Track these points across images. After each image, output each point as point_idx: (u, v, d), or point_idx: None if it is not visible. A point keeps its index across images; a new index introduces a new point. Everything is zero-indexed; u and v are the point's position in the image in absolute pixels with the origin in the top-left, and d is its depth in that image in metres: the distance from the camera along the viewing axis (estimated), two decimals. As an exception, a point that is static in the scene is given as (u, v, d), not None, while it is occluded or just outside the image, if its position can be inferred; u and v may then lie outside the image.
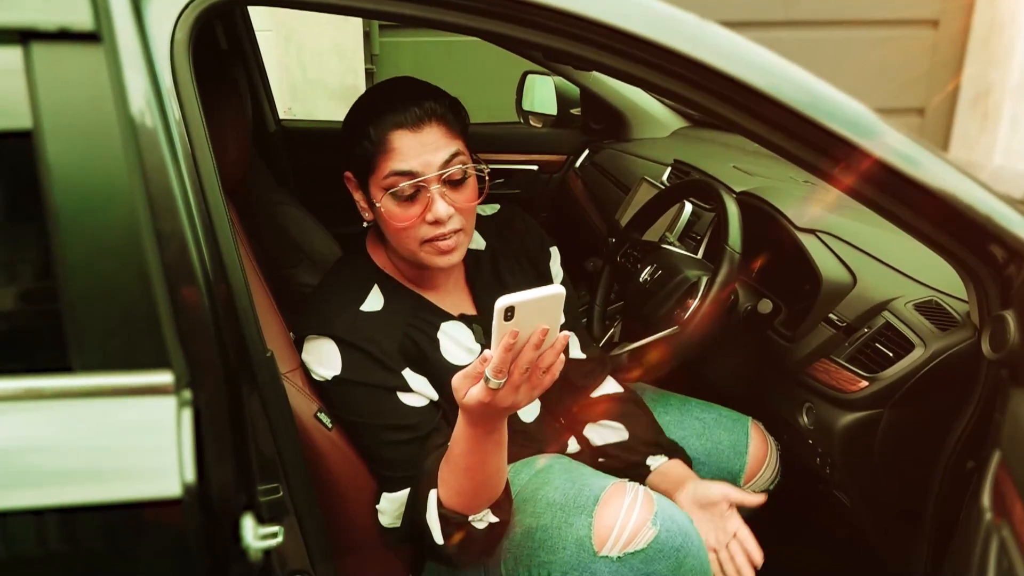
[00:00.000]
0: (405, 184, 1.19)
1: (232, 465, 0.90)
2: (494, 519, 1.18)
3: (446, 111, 1.22)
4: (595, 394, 1.52)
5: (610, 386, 1.54)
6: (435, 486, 1.17)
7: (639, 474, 1.45)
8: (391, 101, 1.21)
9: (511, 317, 0.94)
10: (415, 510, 1.21)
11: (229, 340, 0.93)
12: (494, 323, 0.94)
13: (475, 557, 1.23)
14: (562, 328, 1.47)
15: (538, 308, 0.95)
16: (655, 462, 1.46)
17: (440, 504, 1.16)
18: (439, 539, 1.17)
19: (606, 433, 1.49)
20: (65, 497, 0.84)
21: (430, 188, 1.19)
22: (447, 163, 1.20)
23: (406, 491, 1.24)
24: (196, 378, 0.87)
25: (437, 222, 1.20)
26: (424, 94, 1.22)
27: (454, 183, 1.22)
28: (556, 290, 0.96)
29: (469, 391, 1.02)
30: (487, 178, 1.27)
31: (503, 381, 0.99)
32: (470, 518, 1.16)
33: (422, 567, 1.38)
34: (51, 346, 0.86)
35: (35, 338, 0.89)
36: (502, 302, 0.93)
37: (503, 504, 1.19)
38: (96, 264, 0.86)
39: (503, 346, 0.96)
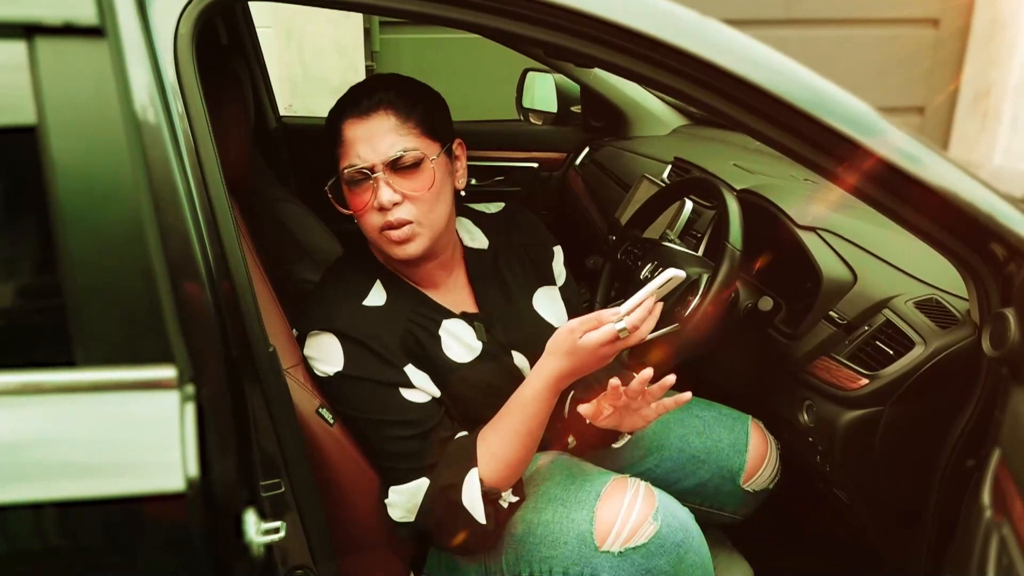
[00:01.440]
0: (351, 170, 1.22)
1: (234, 460, 0.91)
2: (514, 499, 1.23)
3: (396, 99, 1.23)
4: None
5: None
6: (474, 466, 1.20)
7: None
8: (349, 95, 1.26)
9: (664, 285, 1.15)
10: (445, 495, 1.21)
11: (232, 335, 0.93)
12: (653, 284, 1.15)
13: (492, 542, 1.25)
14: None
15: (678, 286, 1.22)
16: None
17: (481, 483, 1.20)
18: (481, 518, 1.19)
19: None
20: (68, 491, 0.84)
21: (374, 174, 1.21)
22: (395, 153, 1.21)
23: (417, 481, 1.24)
24: (199, 373, 0.87)
25: (382, 209, 1.22)
26: (379, 85, 1.25)
27: (403, 169, 1.22)
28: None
29: (587, 335, 1.14)
30: (451, 180, 1.30)
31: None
32: (502, 496, 1.21)
33: (423, 564, 1.38)
34: (55, 341, 0.86)
35: (39, 333, 0.89)
36: (672, 272, 1.16)
37: (520, 484, 1.25)
38: (100, 259, 0.86)
39: (648, 308, 1.15)
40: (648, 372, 1.20)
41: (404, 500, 1.26)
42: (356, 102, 1.23)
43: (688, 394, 1.31)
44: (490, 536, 1.23)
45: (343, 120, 1.24)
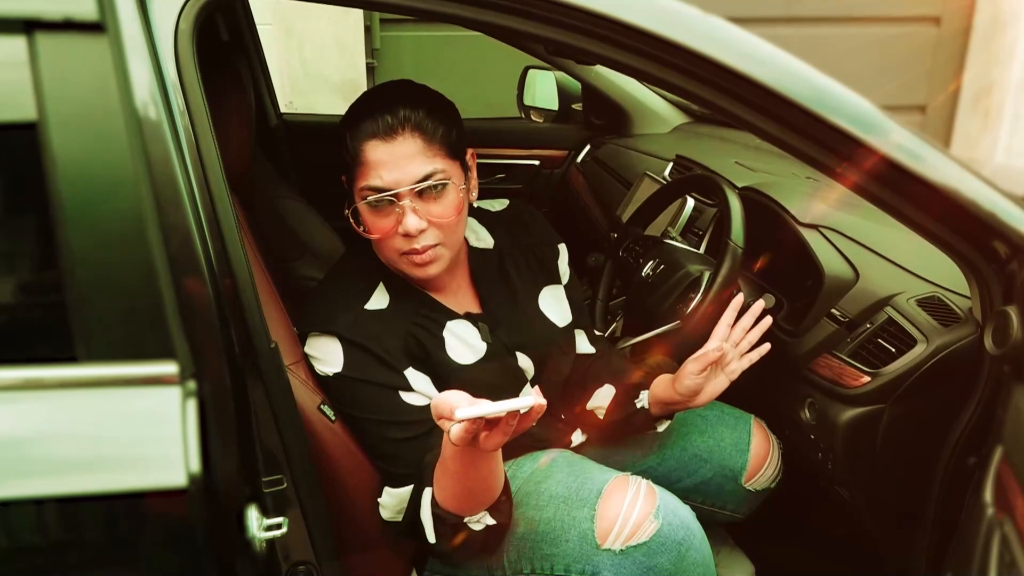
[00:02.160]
0: (373, 198, 1.18)
1: (236, 456, 0.91)
2: (491, 522, 1.16)
3: (423, 119, 1.17)
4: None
5: (583, 345, 1.53)
6: (431, 485, 1.16)
7: (638, 419, 1.42)
8: (368, 109, 1.18)
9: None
10: (413, 507, 1.21)
11: (234, 331, 0.93)
12: (503, 404, 0.93)
13: (473, 556, 1.22)
14: (572, 324, 1.47)
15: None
16: (642, 400, 1.42)
17: (435, 504, 1.15)
18: (431, 537, 1.17)
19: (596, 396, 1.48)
20: (70, 487, 0.84)
21: (400, 202, 1.17)
22: (422, 179, 1.17)
23: (408, 488, 1.23)
24: (200, 369, 0.87)
25: (408, 236, 1.19)
26: (401, 100, 1.17)
27: (429, 195, 1.19)
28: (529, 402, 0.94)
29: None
30: (467, 196, 1.25)
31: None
32: (466, 519, 1.14)
33: (425, 560, 1.38)
34: (56, 336, 0.86)
35: (40, 329, 0.89)
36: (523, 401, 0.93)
37: (502, 507, 1.17)
38: (101, 255, 0.86)
39: (463, 434, 0.94)
40: (739, 300, 1.27)
41: (394, 503, 1.26)
42: (378, 118, 1.16)
43: (767, 345, 1.35)
44: (459, 553, 1.18)
45: (363, 140, 1.17)
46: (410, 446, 1.23)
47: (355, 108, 1.21)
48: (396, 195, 1.17)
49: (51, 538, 0.86)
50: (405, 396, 1.25)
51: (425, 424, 1.24)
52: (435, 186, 1.18)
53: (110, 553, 0.88)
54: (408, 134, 1.16)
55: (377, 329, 1.25)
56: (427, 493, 1.17)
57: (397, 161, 1.16)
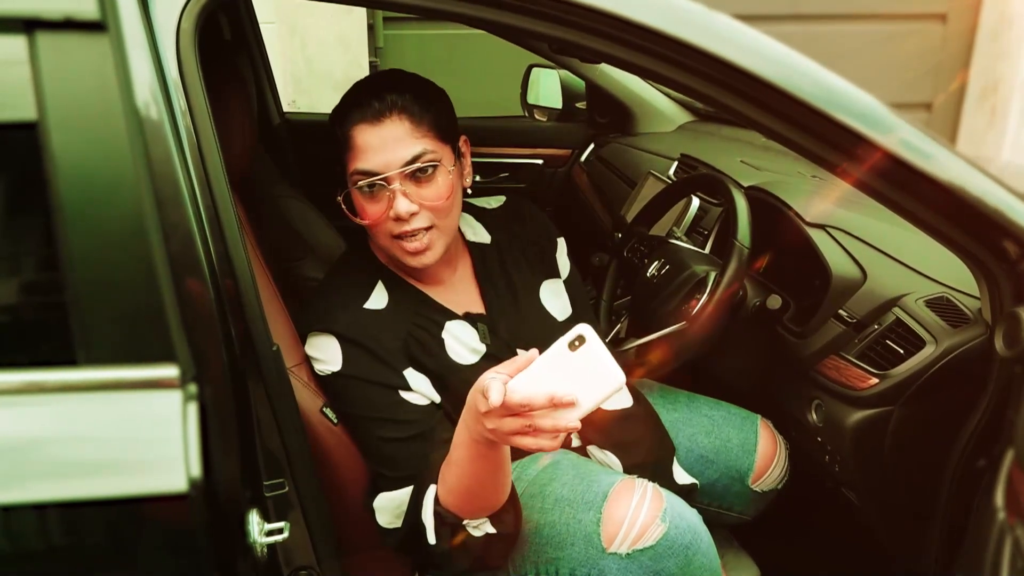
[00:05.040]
0: (364, 183, 1.18)
1: (237, 460, 0.90)
2: (491, 530, 1.13)
3: (411, 102, 1.18)
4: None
5: (621, 398, 1.48)
6: (435, 482, 1.15)
7: None
8: (356, 97, 1.20)
9: (577, 347, 0.92)
10: (414, 507, 1.19)
11: (235, 334, 0.92)
12: (556, 345, 0.92)
13: (472, 567, 1.18)
14: (572, 318, 1.46)
15: (594, 364, 0.91)
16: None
17: (437, 501, 1.13)
18: (431, 538, 1.15)
19: (600, 459, 1.45)
20: (70, 492, 0.83)
21: (390, 186, 1.18)
22: (411, 161, 1.17)
23: (404, 490, 1.21)
24: (201, 372, 0.87)
25: (399, 219, 1.18)
26: (389, 87, 1.19)
27: (419, 178, 1.19)
28: (620, 377, 0.92)
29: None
30: (459, 181, 1.25)
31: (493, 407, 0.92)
32: (465, 522, 1.12)
33: (428, 566, 1.37)
34: (56, 339, 0.85)
35: (40, 331, 0.89)
36: (579, 329, 0.92)
37: (504, 517, 1.14)
38: (101, 256, 0.85)
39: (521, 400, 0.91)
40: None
41: (392, 507, 1.23)
42: (366, 104, 1.18)
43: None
44: (455, 559, 1.16)
45: (352, 124, 1.18)
46: (406, 447, 1.21)
47: (344, 98, 1.22)
48: (386, 179, 1.17)
49: (51, 543, 0.85)
50: (404, 395, 1.24)
51: (422, 425, 1.22)
52: (424, 168, 1.18)
53: (110, 558, 0.87)
54: (395, 117, 1.17)
55: (376, 329, 1.25)
56: (431, 491, 1.15)
57: (385, 144, 1.17)
